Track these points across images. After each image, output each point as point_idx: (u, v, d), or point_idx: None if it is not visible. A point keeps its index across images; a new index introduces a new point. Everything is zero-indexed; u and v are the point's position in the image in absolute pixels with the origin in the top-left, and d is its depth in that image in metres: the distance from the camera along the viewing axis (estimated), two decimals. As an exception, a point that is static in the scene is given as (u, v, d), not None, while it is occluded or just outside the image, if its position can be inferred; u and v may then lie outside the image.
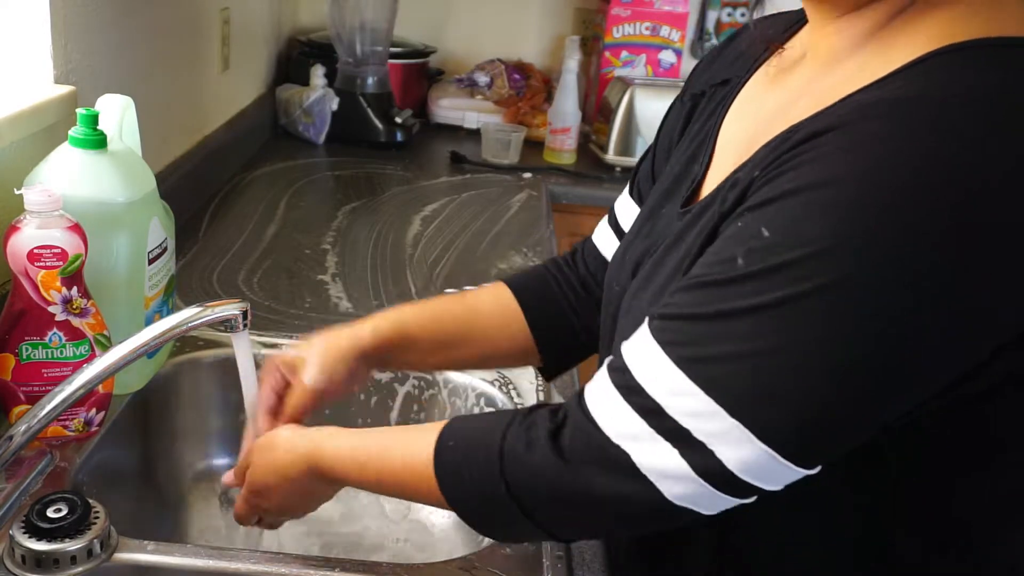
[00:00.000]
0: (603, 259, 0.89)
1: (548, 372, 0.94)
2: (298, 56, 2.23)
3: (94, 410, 0.89)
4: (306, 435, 0.76)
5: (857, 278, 0.50)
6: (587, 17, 2.50)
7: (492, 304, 0.89)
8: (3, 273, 0.88)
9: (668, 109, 0.87)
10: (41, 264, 0.82)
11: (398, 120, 2.15)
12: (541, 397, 1.06)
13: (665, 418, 0.55)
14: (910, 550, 0.62)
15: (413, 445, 0.68)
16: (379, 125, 2.13)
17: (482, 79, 2.40)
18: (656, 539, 0.71)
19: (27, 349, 0.85)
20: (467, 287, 1.36)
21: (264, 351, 1.09)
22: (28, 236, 0.82)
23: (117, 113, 0.95)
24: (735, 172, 0.62)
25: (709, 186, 0.68)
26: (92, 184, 0.89)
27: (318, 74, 2.10)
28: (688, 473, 0.54)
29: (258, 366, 0.86)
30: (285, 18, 2.32)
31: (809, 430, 0.53)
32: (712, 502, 0.56)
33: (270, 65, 2.20)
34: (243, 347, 0.83)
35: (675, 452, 0.54)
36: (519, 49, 2.51)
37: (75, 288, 0.85)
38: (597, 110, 2.28)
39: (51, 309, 0.84)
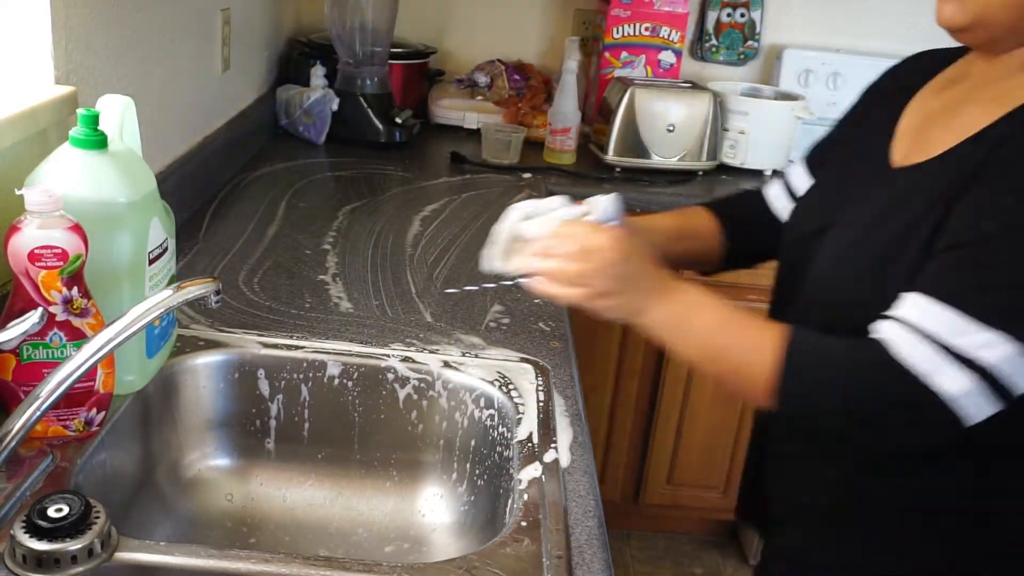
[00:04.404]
0: (770, 214, 1.14)
1: (715, 270, 1.20)
2: (298, 56, 2.23)
3: (94, 410, 0.90)
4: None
5: None
6: (587, 18, 2.50)
7: (701, 217, 1.18)
8: (4, 273, 0.88)
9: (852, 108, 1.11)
10: (42, 264, 0.83)
11: (398, 120, 2.15)
12: (541, 397, 1.06)
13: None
14: None
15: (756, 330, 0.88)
16: (379, 125, 2.13)
17: (482, 79, 2.40)
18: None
19: (28, 349, 0.85)
20: (469, 287, 1.36)
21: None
22: (29, 236, 0.82)
23: (117, 113, 0.95)
24: (952, 151, 0.86)
25: (901, 154, 0.94)
26: (93, 184, 0.90)
27: (318, 74, 2.11)
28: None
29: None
30: (285, 18, 2.33)
31: None
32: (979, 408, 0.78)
33: (270, 65, 2.20)
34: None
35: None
36: (519, 49, 2.52)
37: (76, 288, 0.85)
38: (597, 110, 2.28)
39: (52, 309, 0.85)
